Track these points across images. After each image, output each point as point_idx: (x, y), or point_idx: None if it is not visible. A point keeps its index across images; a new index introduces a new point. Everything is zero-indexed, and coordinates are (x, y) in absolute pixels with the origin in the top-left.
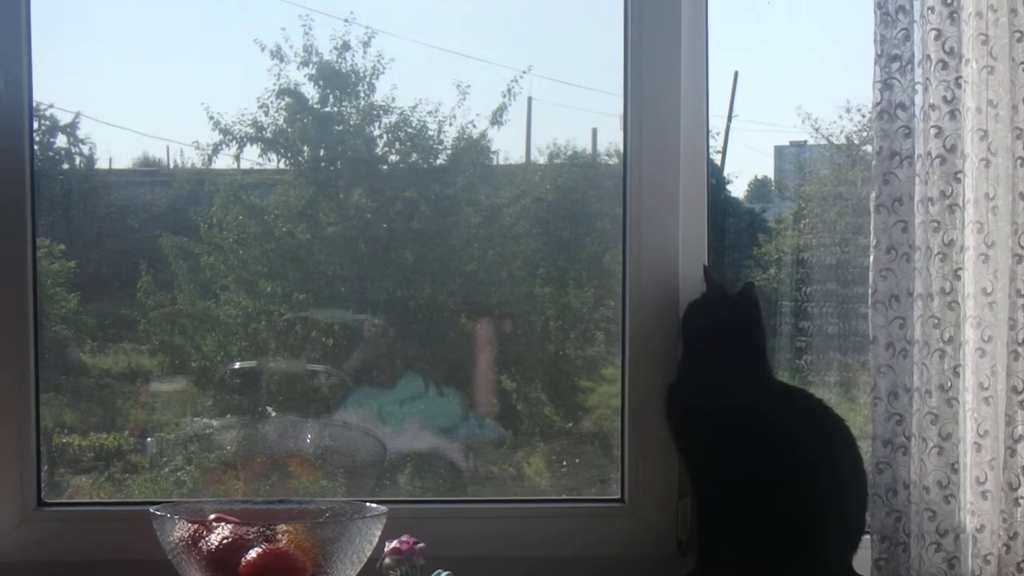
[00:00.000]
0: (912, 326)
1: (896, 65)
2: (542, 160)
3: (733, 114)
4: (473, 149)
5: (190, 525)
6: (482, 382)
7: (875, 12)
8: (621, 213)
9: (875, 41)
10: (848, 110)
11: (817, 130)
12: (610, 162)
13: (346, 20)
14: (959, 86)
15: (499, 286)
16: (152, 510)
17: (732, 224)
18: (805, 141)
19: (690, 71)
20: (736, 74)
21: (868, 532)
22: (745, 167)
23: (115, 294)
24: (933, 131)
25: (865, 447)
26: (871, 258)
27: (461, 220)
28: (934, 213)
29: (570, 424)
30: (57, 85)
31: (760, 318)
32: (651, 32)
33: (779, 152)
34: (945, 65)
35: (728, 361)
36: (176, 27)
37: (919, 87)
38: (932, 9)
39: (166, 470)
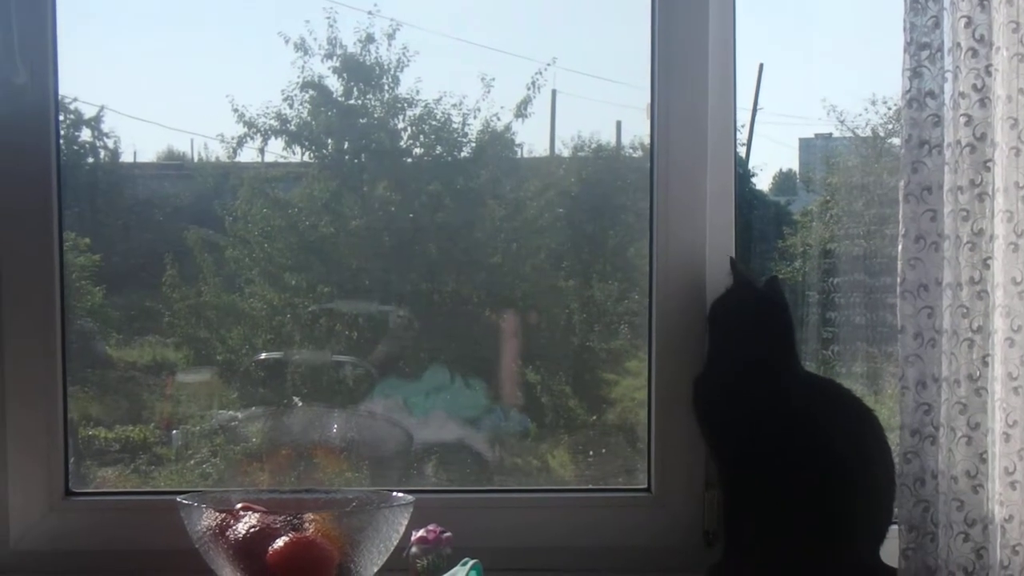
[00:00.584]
0: (941, 315)
1: (926, 53)
2: (566, 153)
3: (758, 107)
4: (497, 142)
5: (217, 514)
6: (507, 374)
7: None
8: (645, 206)
9: (904, 29)
10: (873, 102)
11: (842, 122)
12: (634, 155)
13: (370, 12)
14: (989, 74)
15: (523, 279)
16: (179, 499)
17: (757, 217)
18: (830, 133)
19: (717, 62)
20: (761, 66)
21: (896, 522)
22: (770, 160)
23: (140, 287)
24: (963, 119)
25: (893, 437)
26: (899, 247)
27: (485, 213)
28: (963, 202)
29: (594, 417)
30: (81, 79)
31: (787, 310)
32: (679, 22)
33: (804, 144)
34: (975, 53)
35: (755, 353)
36: (200, 20)
37: (949, 75)
38: None
39: (192, 462)
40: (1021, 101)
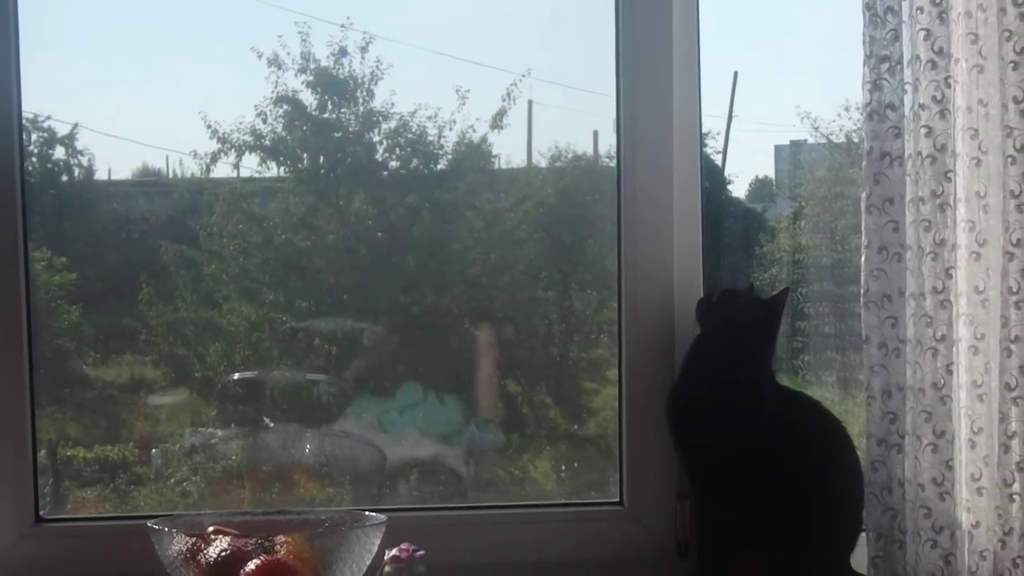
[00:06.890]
0: (905, 325)
1: (885, 66)
2: (543, 163)
3: (733, 114)
4: (474, 154)
5: (188, 538)
6: (485, 387)
7: (863, 13)
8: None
9: (864, 42)
10: (847, 108)
11: (816, 129)
12: (611, 164)
13: (343, 26)
14: (949, 86)
15: (502, 291)
16: (150, 524)
17: (733, 224)
18: (805, 140)
19: (683, 74)
20: (736, 74)
21: (864, 530)
22: (746, 167)
23: (117, 305)
24: (923, 131)
25: (860, 445)
26: (863, 258)
27: (463, 225)
28: (925, 212)
29: (575, 426)
30: (54, 97)
31: (778, 325)
32: (643, 34)
33: (779, 151)
34: (935, 65)
35: (730, 365)
36: (173, 36)
37: (909, 87)
38: (921, 9)
39: (171, 481)
40: (981, 112)
